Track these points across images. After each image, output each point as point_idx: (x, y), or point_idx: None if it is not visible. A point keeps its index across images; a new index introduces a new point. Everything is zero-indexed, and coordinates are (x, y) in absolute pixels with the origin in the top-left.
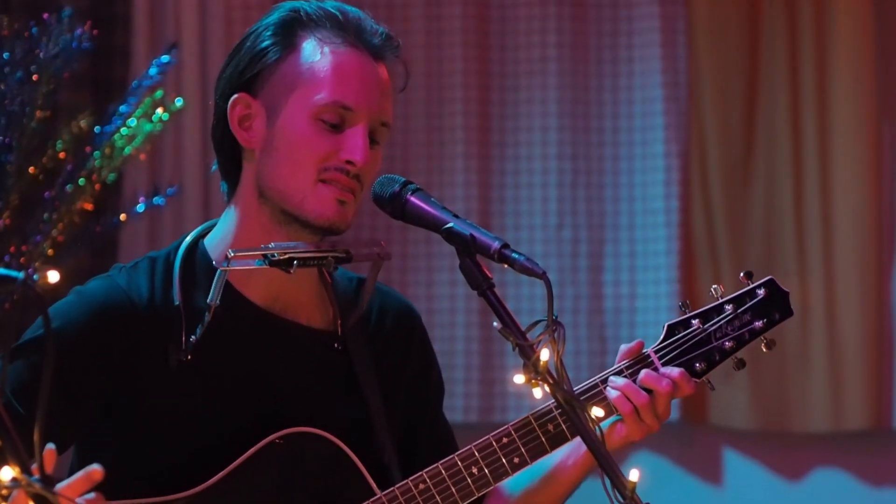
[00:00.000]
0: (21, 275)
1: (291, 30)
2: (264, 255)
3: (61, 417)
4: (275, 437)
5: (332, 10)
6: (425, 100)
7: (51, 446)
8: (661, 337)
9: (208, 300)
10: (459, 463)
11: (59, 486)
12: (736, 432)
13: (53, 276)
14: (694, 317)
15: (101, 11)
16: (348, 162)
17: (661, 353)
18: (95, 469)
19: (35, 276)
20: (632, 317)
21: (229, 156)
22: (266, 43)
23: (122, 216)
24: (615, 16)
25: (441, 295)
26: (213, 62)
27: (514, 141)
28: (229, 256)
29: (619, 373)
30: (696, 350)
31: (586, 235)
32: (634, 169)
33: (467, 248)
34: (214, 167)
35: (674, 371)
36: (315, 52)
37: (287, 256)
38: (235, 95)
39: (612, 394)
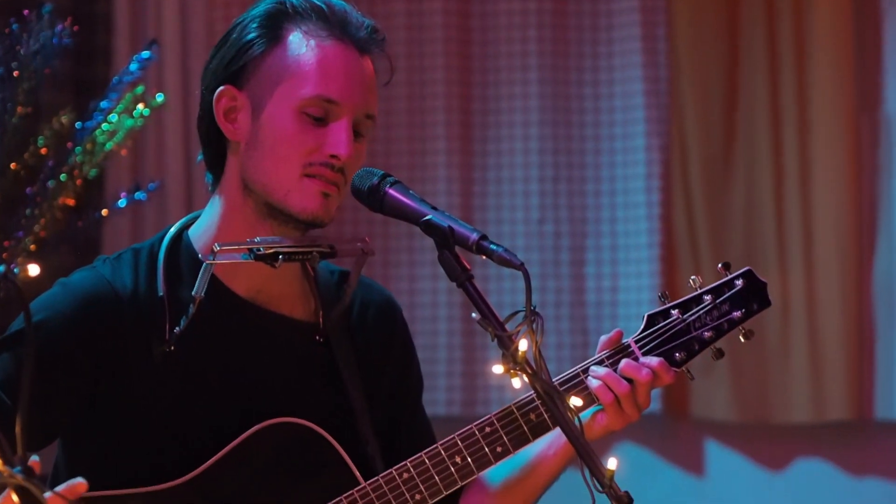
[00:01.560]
0: (2, 268)
1: (277, 22)
2: (250, 250)
3: (47, 408)
4: (259, 427)
5: (318, 3)
6: (407, 95)
7: (35, 458)
8: (642, 327)
9: (193, 292)
10: (443, 452)
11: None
12: (717, 424)
13: (34, 270)
14: (673, 307)
15: (82, 10)
16: (332, 156)
17: (641, 343)
18: (80, 482)
19: (16, 270)
20: (614, 310)
21: (214, 147)
22: (252, 35)
23: (104, 211)
24: (595, 10)
25: (423, 289)
26: (194, 59)
27: (496, 136)
28: (215, 250)
29: (599, 362)
30: (675, 340)
31: (568, 229)
32: (615, 163)
33: (446, 240)
34: (200, 158)
35: (653, 360)
36: (300, 46)
37: (272, 251)
38: (221, 88)
39: (593, 383)
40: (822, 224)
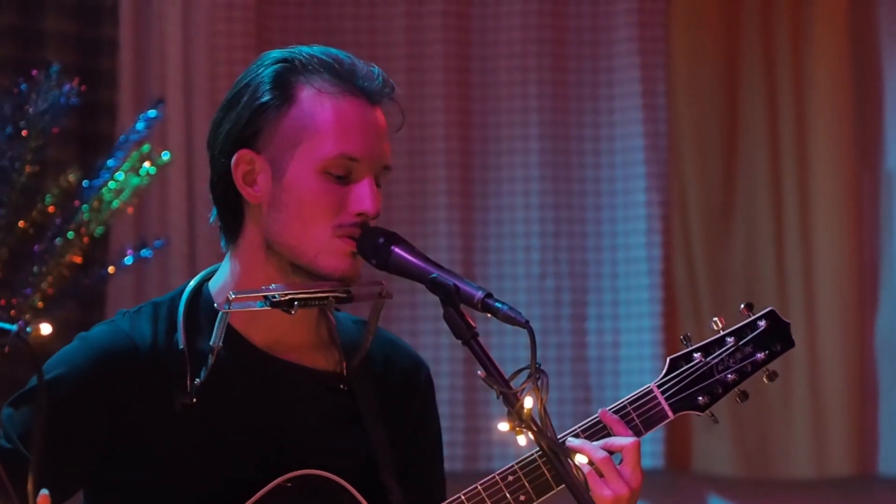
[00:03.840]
0: (14, 327)
1: (288, 81)
2: (265, 297)
3: (67, 463)
4: (282, 479)
5: (324, 57)
6: (407, 151)
7: (44, 492)
8: (664, 371)
9: (210, 342)
10: (466, 502)
11: None
12: (720, 479)
13: (45, 329)
14: (696, 350)
15: (86, 67)
16: (360, 214)
17: (664, 388)
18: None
19: (28, 329)
20: (615, 365)
21: (231, 209)
22: (265, 98)
23: (111, 269)
24: (596, 66)
25: (426, 344)
26: (198, 116)
27: (497, 191)
28: (230, 298)
29: (575, 435)
30: (698, 384)
31: (569, 284)
32: (616, 218)
33: (451, 299)
34: (213, 219)
35: (617, 441)
36: (314, 104)
37: (288, 297)
38: (238, 152)
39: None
40: (823, 277)
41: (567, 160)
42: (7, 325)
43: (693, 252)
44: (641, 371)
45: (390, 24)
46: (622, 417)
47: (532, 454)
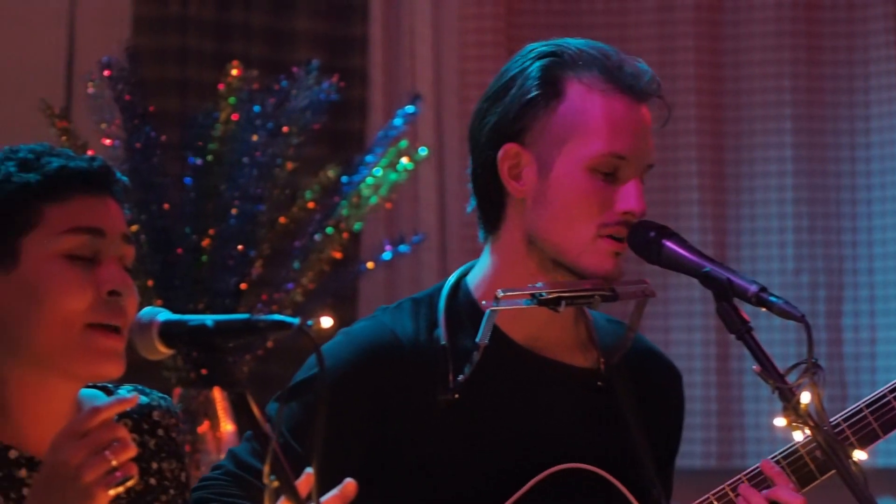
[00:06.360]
0: (297, 320)
1: (556, 75)
2: (532, 295)
3: (333, 457)
4: (547, 473)
5: (593, 52)
6: (659, 146)
7: (309, 470)
8: None
9: (477, 339)
10: (729, 492)
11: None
12: None
13: (326, 322)
14: None
15: (338, 65)
16: (626, 213)
17: None
18: (349, 482)
19: (309, 322)
20: (872, 362)
21: (493, 200)
22: (534, 93)
23: (369, 264)
24: (851, 59)
25: (678, 341)
26: (448, 111)
27: (750, 186)
28: (499, 296)
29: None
30: None
31: (824, 280)
32: (873, 213)
33: (724, 292)
34: (470, 208)
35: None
36: (584, 100)
37: (555, 296)
38: (505, 145)
39: None
40: None
41: (822, 154)
42: (289, 319)
43: None
44: None
45: (641, 18)
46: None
47: (792, 445)
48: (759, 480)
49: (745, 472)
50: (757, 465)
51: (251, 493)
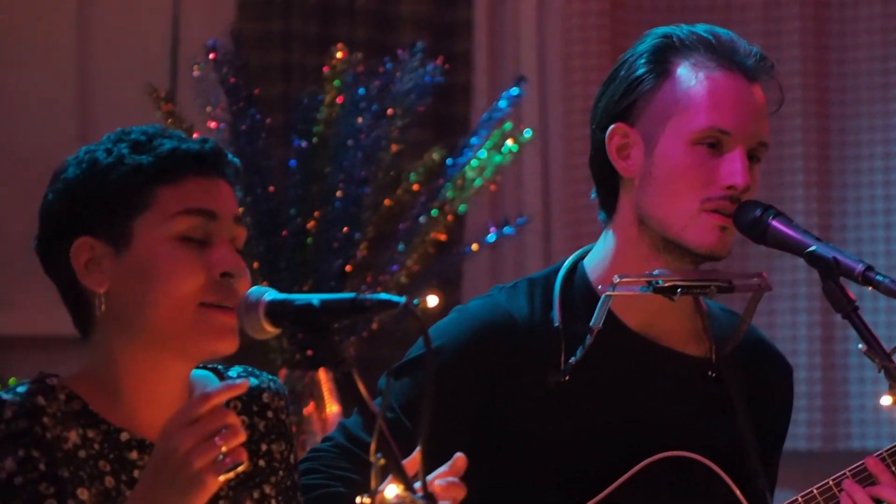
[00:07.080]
0: (403, 299)
1: (665, 56)
2: (648, 282)
3: (444, 434)
4: (652, 459)
5: (704, 34)
6: None
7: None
8: None
9: (591, 323)
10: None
11: (429, 478)
12: None
13: (433, 301)
14: None
15: (442, 49)
16: (729, 187)
17: None
18: (459, 457)
19: (415, 301)
20: None
21: (607, 184)
22: (640, 71)
23: (474, 246)
24: None
25: (783, 323)
26: (552, 94)
27: (855, 168)
28: (615, 282)
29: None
30: None
31: None
32: None
33: (831, 272)
34: (593, 195)
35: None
36: (690, 78)
37: (671, 284)
38: (613, 125)
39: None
40: None
41: None
42: (395, 298)
43: None
44: None
45: (747, 2)
46: None
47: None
48: (864, 476)
49: (849, 468)
50: (862, 461)
51: (359, 467)
